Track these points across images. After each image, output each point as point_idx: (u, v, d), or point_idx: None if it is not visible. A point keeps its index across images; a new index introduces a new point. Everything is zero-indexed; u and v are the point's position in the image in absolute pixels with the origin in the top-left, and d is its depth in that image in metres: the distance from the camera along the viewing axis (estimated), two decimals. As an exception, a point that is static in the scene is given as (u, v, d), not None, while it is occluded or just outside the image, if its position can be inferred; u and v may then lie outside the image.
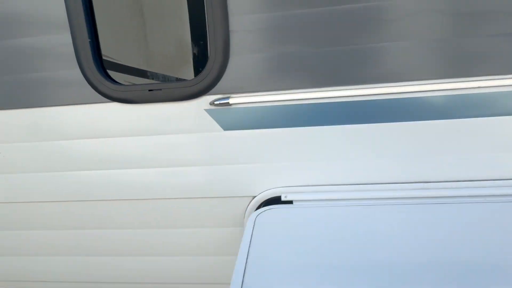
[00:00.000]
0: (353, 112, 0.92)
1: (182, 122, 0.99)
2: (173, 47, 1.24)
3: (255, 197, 1.02)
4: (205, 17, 0.96)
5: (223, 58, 0.93)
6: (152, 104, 0.98)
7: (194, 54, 1.15)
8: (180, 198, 1.06)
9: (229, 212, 1.06)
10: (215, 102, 0.95)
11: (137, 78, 1.22)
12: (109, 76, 0.99)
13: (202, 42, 1.13)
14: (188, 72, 1.19)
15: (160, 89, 0.96)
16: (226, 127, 0.98)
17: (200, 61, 1.14)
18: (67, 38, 0.96)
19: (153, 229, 1.11)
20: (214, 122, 0.98)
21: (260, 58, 0.93)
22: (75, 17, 0.93)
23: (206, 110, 0.98)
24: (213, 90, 0.95)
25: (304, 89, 0.92)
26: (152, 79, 1.20)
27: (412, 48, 0.87)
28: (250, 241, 0.83)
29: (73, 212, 1.13)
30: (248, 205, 1.03)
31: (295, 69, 0.92)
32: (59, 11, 0.94)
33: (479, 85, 0.86)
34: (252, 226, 0.93)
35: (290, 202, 1.00)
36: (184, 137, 1.00)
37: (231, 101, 0.94)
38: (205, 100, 0.97)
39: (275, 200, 1.02)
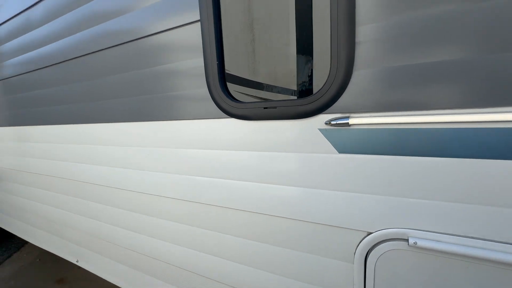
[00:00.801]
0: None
1: (294, 140, 0.96)
2: (284, 62, 1.25)
3: (371, 233, 0.87)
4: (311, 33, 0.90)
5: (345, 74, 0.83)
6: (266, 121, 1.00)
7: (302, 71, 1.11)
8: (285, 217, 1.03)
9: (336, 243, 0.95)
10: (332, 122, 0.87)
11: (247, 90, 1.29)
12: (230, 94, 1.07)
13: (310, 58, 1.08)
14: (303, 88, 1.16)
15: (275, 107, 0.96)
16: (341, 150, 0.88)
17: (306, 78, 1.09)
18: (200, 61, 1.10)
19: (253, 241, 1.13)
20: (328, 143, 0.90)
21: (392, 72, 0.78)
22: (207, 43, 1.05)
23: (320, 129, 0.91)
24: (330, 108, 0.87)
25: (456, 109, 0.71)
26: (267, 91, 1.23)
27: None
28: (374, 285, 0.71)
29: (187, 210, 1.30)
30: (361, 241, 0.89)
31: (443, 83, 0.72)
32: (196, 40, 1.09)
33: None
34: (374, 268, 0.80)
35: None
36: (295, 156, 0.96)
37: (351, 121, 0.84)
38: (320, 119, 0.90)
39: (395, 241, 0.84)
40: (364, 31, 0.79)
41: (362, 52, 0.81)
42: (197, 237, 1.30)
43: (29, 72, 1.93)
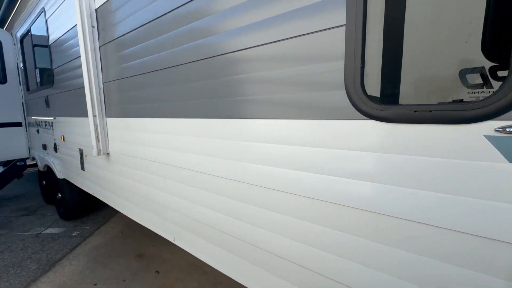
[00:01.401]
0: None
1: (451, 146, 0.93)
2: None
3: (549, 254, 0.80)
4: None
5: (531, 78, 0.78)
6: (413, 125, 0.99)
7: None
8: (433, 226, 0.99)
9: (493, 258, 0.89)
10: (507, 129, 0.82)
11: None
12: (369, 96, 1.09)
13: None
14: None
15: (430, 111, 0.95)
16: (514, 160, 0.83)
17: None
18: (339, 64, 1.14)
19: (388, 246, 1.11)
20: (497, 152, 0.85)
21: None
22: (352, 46, 1.09)
23: (487, 136, 0.87)
24: (506, 115, 0.83)
25: None
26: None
27: None
28: None
29: (302, 204, 1.35)
30: (533, 260, 0.82)
31: None
32: (337, 44, 1.14)
33: None
34: None
35: None
36: (451, 163, 0.93)
37: (539, 130, 0.78)
38: (488, 125, 0.86)
39: None
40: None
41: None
42: (308, 232, 1.34)
43: (139, 74, 2.25)
